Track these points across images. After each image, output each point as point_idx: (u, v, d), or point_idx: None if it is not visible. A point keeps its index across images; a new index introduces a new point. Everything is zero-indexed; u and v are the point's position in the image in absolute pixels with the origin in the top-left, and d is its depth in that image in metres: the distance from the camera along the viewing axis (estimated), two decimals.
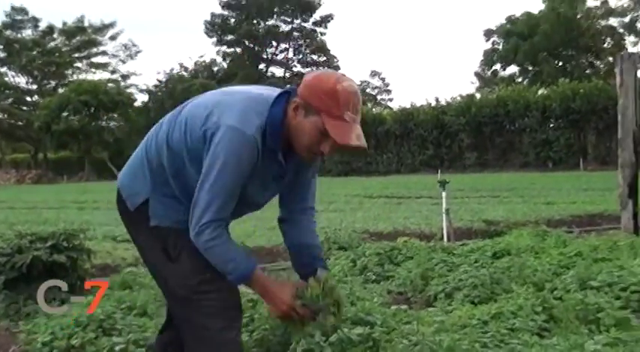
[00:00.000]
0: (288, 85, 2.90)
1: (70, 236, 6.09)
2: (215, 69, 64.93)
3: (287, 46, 62.93)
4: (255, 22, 61.83)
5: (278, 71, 64.02)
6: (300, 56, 62.74)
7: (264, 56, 63.44)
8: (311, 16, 61.78)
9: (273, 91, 2.71)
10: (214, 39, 62.72)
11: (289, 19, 61.92)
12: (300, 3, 59.89)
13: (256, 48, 62.28)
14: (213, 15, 61.78)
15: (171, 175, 2.70)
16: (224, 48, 63.54)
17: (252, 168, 2.59)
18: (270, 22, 62.31)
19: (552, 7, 53.55)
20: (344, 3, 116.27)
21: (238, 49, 62.49)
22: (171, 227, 2.72)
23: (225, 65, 64.74)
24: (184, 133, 2.65)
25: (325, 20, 62.05)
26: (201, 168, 2.58)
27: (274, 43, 62.73)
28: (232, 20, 61.78)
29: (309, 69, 62.04)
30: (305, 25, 62.18)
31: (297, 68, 63.38)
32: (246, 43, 61.64)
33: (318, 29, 62.33)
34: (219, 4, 61.38)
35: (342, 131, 2.54)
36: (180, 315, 2.80)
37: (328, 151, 2.61)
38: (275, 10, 61.03)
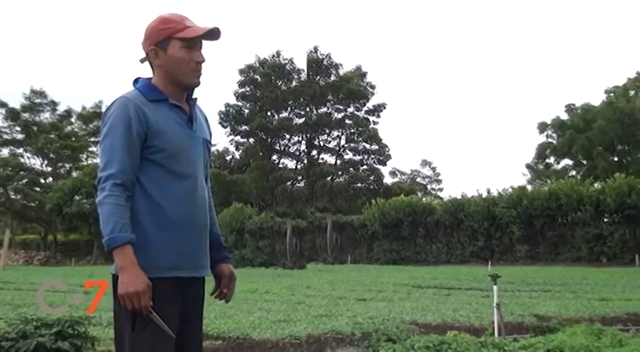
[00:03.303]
0: None
1: (76, 322, 6.02)
2: (228, 158, 65.40)
3: (339, 133, 63.21)
4: (268, 114, 62.27)
5: (290, 163, 63.86)
6: (352, 144, 62.80)
7: (277, 147, 63.43)
8: (364, 105, 62.24)
9: None
10: (228, 129, 63.01)
11: (342, 107, 62.34)
12: (352, 91, 60.33)
13: (269, 139, 62.38)
14: (227, 105, 62.46)
15: None
16: (237, 138, 63.78)
17: (142, 118, 2.85)
18: (283, 115, 62.73)
19: (610, 102, 53.30)
20: (396, 92, 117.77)
21: (251, 140, 62.76)
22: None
23: (237, 155, 65.14)
24: None
25: (378, 109, 62.52)
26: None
27: (287, 135, 62.65)
28: (246, 111, 62.26)
29: (360, 157, 62.18)
30: (358, 113, 62.47)
31: (349, 156, 63.25)
32: (260, 134, 61.87)
33: (371, 118, 62.67)
34: (234, 94, 62.19)
35: (192, 29, 2.92)
36: None
37: (200, 56, 2.94)
38: (329, 97, 61.65)
